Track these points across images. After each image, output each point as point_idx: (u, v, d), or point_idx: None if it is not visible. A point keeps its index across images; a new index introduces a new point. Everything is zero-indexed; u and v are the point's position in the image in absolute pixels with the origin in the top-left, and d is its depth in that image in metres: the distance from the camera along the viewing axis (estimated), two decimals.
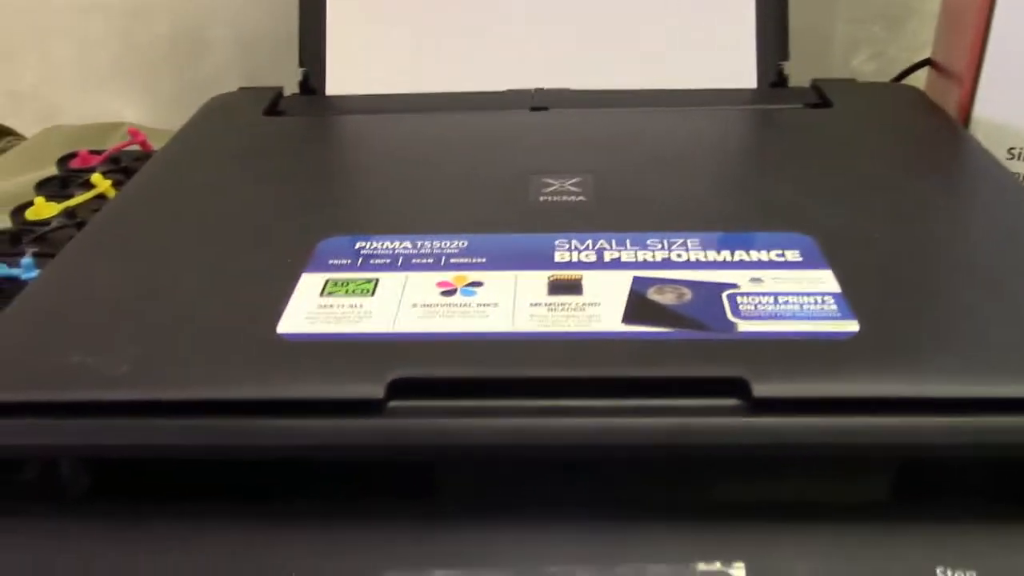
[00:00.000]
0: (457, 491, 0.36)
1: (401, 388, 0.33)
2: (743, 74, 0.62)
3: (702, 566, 0.32)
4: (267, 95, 0.62)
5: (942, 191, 0.47)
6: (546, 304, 0.37)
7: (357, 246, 0.41)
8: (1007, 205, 0.45)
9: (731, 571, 0.32)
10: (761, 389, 0.32)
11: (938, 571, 0.32)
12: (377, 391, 0.32)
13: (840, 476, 0.35)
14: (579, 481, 0.35)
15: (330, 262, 0.40)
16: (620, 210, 0.44)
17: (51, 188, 0.68)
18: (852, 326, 0.35)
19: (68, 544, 0.33)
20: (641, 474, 0.35)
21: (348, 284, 0.39)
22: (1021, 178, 0.56)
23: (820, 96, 0.59)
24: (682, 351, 0.34)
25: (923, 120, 0.55)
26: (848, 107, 0.57)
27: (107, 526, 0.34)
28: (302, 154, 0.53)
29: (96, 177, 0.65)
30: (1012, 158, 0.55)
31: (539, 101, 0.60)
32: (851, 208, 0.44)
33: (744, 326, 0.35)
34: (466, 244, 0.41)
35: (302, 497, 0.35)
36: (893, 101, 0.58)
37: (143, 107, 0.87)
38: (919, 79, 0.66)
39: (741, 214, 0.44)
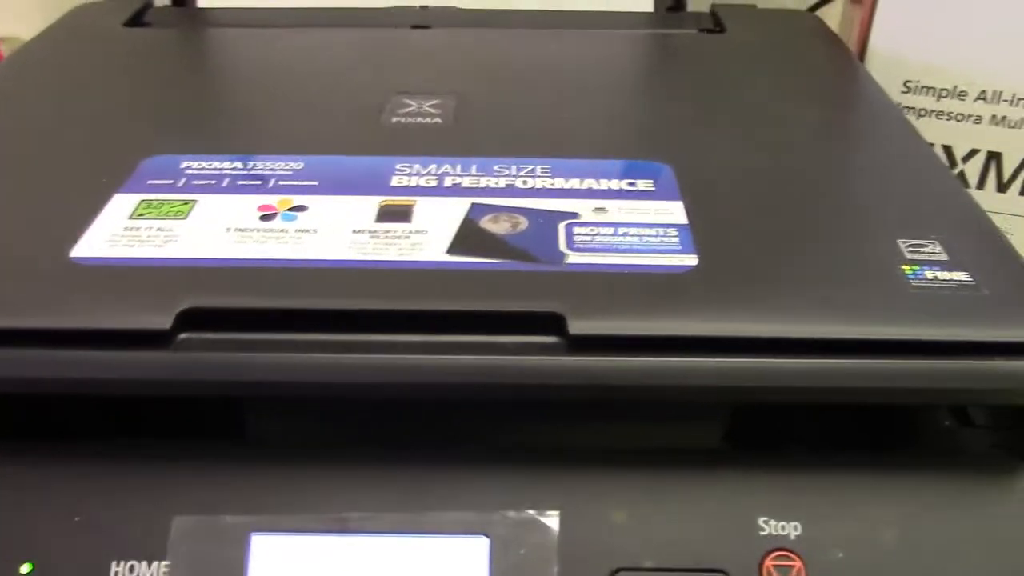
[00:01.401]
0: (263, 431, 0.33)
1: (192, 319, 0.30)
2: None
3: (512, 514, 0.30)
4: (134, 6, 0.58)
5: (821, 124, 0.44)
6: (369, 231, 0.34)
7: (183, 166, 0.38)
8: (885, 140, 0.42)
9: (544, 519, 0.30)
10: (578, 326, 0.29)
11: (760, 522, 0.30)
12: (164, 321, 0.30)
13: (662, 421, 0.33)
14: (388, 421, 0.32)
15: (149, 182, 0.37)
16: (475, 134, 0.42)
17: None
18: (690, 260, 0.32)
19: None
20: (453, 415, 0.32)
21: (162, 205, 0.36)
22: (918, 112, 0.54)
23: (716, 22, 0.56)
24: (501, 284, 0.31)
25: (816, 50, 0.53)
26: (741, 34, 0.54)
27: None
28: (151, 68, 0.50)
29: None
30: (908, 91, 0.53)
31: (422, 19, 0.56)
32: (722, 138, 0.41)
33: (574, 258, 0.32)
34: (301, 166, 0.38)
35: (112, 435, 0.33)
36: (789, 29, 0.55)
37: (9, 18, 0.82)
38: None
39: (603, 141, 0.41)
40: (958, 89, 0.52)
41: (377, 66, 0.49)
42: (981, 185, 0.54)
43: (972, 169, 0.54)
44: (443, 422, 0.33)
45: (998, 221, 0.37)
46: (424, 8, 0.58)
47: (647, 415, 0.33)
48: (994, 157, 0.53)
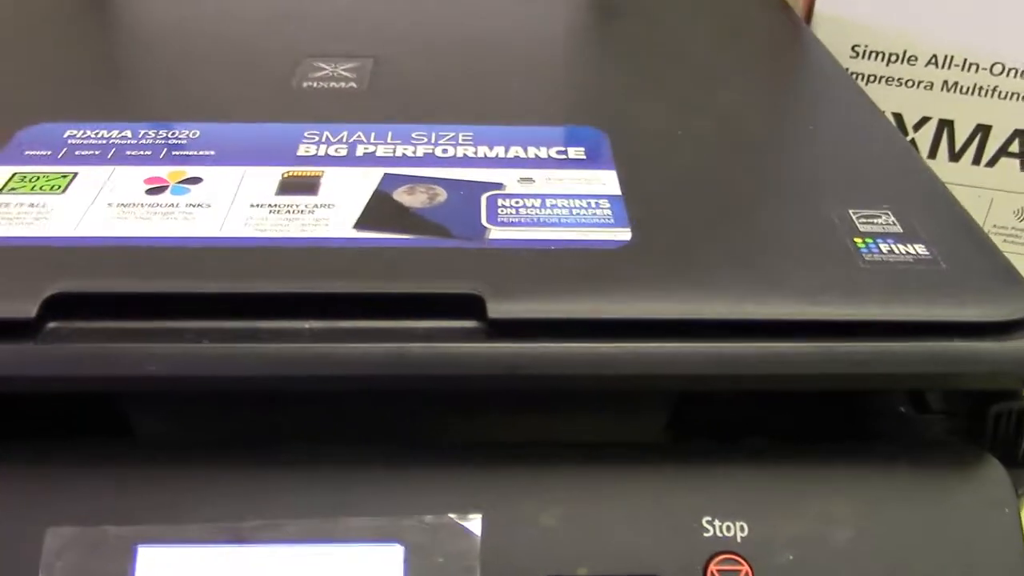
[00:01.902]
0: (148, 429, 0.30)
1: (61, 306, 0.26)
2: None
3: (429, 518, 0.27)
4: None
5: (765, 89, 0.41)
6: (269, 206, 0.30)
7: (66, 135, 0.35)
8: (832, 105, 0.40)
9: (465, 523, 0.27)
10: (498, 309, 0.26)
11: (704, 522, 0.27)
12: (28, 309, 0.26)
13: (596, 411, 0.30)
14: (289, 417, 0.29)
15: (25, 153, 0.33)
16: (392, 100, 0.38)
17: None
18: (623, 235, 0.29)
19: None
20: (362, 408, 0.29)
21: (37, 179, 0.32)
22: (867, 78, 0.51)
23: None
24: (413, 263, 0.28)
25: (760, 11, 0.50)
26: None
27: None
28: (36, 25, 0.45)
29: None
30: (856, 56, 0.51)
31: None
32: (659, 103, 0.38)
33: (496, 233, 0.29)
34: (197, 135, 0.35)
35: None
36: None
37: None
38: None
39: (531, 106, 0.38)
40: (908, 54, 0.50)
41: (289, 25, 0.46)
42: (932, 154, 0.52)
43: (923, 137, 0.52)
44: (351, 416, 0.29)
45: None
46: None
47: (579, 405, 0.30)
48: (946, 125, 0.51)
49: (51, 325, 0.26)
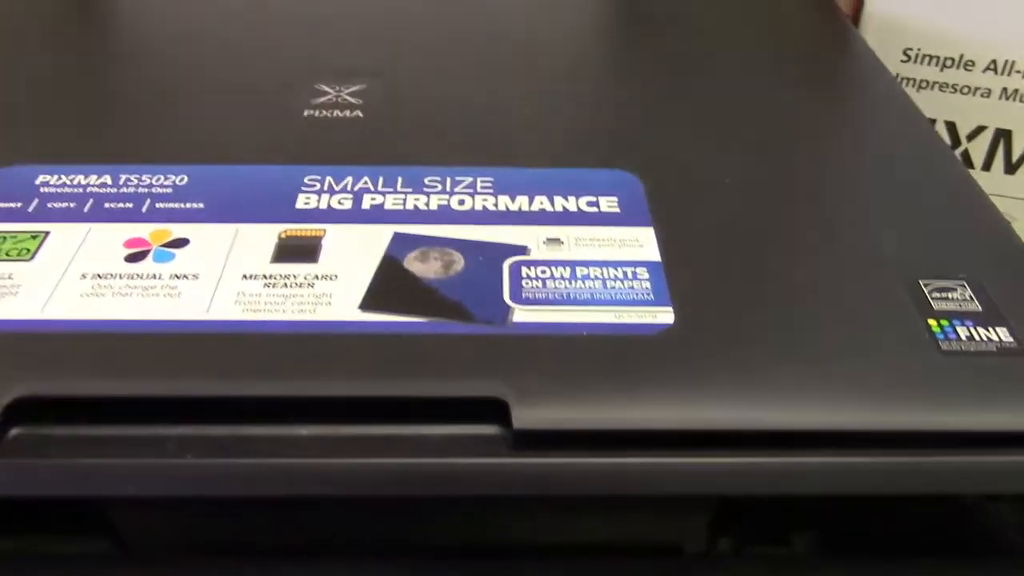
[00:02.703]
0: (136, 533, 0.27)
1: (28, 409, 0.23)
2: None
3: None
4: None
5: (814, 113, 0.37)
6: (264, 276, 0.27)
7: (38, 181, 0.31)
8: (892, 138, 0.36)
9: None
10: (524, 417, 0.23)
11: None
12: None
13: (630, 512, 0.27)
14: (288, 523, 0.26)
15: None
16: (402, 131, 0.35)
17: None
18: (665, 315, 0.26)
19: None
20: (368, 513, 0.26)
21: (4, 240, 0.28)
22: (919, 84, 0.47)
23: None
24: (426, 356, 0.24)
25: (804, 13, 0.46)
26: None
27: None
28: (13, 41, 0.41)
29: None
30: (908, 60, 0.46)
31: None
32: (698, 135, 0.34)
33: (521, 314, 0.26)
34: (185, 181, 0.31)
35: None
36: None
37: None
38: None
39: (558, 141, 0.34)
40: (965, 59, 0.46)
41: (287, 38, 0.42)
42: (987, 166, 0.48)
43: (978, 148, 0.48)
44: (356, 521, 0.26)
45: (1005, 206, 0.31)
46: None
47: (611, 508, 0.26)
48: (1003, 135, 0.47)
49: (14, 432, 0.23)
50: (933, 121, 0.47)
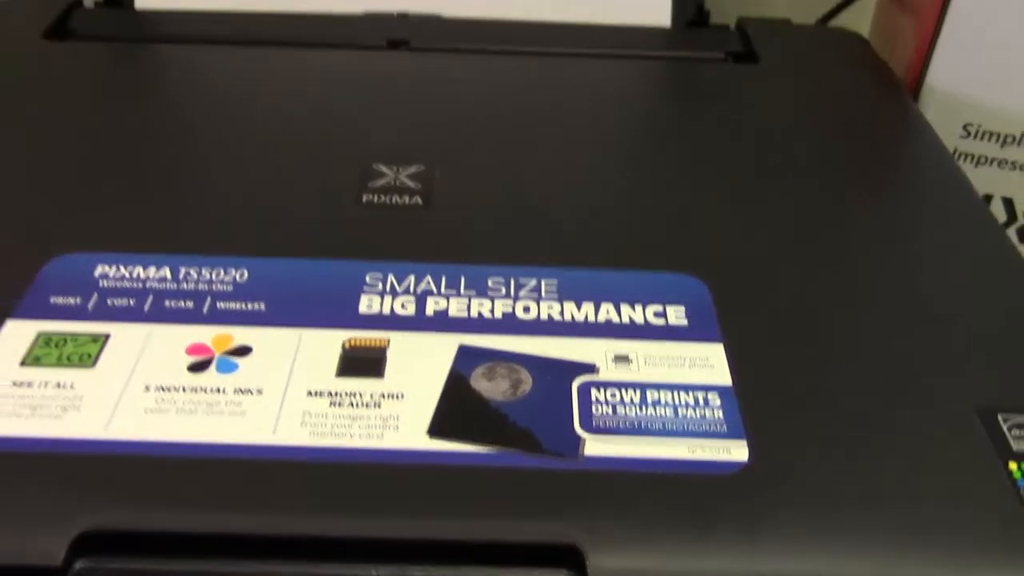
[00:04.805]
0: None
1: (92, 540, 0.23)
2: (655, 8, 0.50)
3: None
4: (59, 5, 0.49)
5: (883, 208, 0.36)
6: (329, 394, 0.26)
7: (97, 272, 0.31)
8: (961, 242, 0.35)
9: None
10: (599, 566, 0.22)
11: None
12: (56, 553, 0.22)
13: None
14: None
15: (52, 300, 0.29)
16: (461, 222, 0.34)
17: None
18: (740, 451, 0.25)
19: None
20: None
21: (65, 342, 0.28)
22: (977, 160, 0.46)
23: (745, 43, 0.48)
24: (499, 494, 0.24)
25: (865, 89, 0.45)
26: (776, 64, 0.46)
27: None
28: (66, 110, 0.40)
29: None
30: (968, 136, 0.46)
31: (400, 32, 0.48)
32: (763, 234, 0.34)
33: (593, 446, 0.25)
34: (245, 277, 0.31)
35: None
36: (830, 58, 0.47)
37: None
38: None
39: (623, 236, 0.34)
40: None
41: (344, 114, 0.41)
42: None
43: None
44: None
45: None
46: (404, 17, 0.49)
47: None
48: None
49: (79, 565, 0.23)
50: (989, 198, 0.46)
